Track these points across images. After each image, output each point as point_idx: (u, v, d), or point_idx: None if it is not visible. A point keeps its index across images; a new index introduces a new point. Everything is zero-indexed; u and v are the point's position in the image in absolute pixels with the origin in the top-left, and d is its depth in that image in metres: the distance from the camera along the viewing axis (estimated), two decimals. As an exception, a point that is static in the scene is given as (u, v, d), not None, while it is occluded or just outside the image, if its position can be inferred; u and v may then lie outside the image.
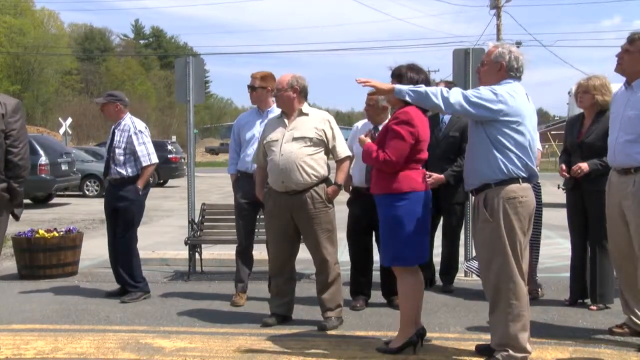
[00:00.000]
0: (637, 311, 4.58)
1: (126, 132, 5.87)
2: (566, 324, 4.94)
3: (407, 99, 3.97)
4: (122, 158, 5.84)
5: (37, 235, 7.03)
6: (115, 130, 5.95)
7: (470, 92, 3.91)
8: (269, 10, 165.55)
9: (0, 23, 46.44)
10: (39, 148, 14.97)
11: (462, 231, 6.33)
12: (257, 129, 5.58)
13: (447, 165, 5.76)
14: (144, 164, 5.86)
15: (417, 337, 4.21)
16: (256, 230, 5.93)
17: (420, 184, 4.17)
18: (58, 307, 5.65)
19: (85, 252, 7.68)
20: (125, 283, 5.95)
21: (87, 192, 19.02)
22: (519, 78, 4.04)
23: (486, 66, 4.07)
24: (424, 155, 4.24)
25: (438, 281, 6.18)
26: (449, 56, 7.37)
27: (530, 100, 4.02)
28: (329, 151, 4.97)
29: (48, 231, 7.16)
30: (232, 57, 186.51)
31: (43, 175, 15.02)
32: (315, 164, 4.83)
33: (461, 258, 6.32)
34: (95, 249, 8.60)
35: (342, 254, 5.94)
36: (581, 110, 5.45)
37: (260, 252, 6.28)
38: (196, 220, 7.24)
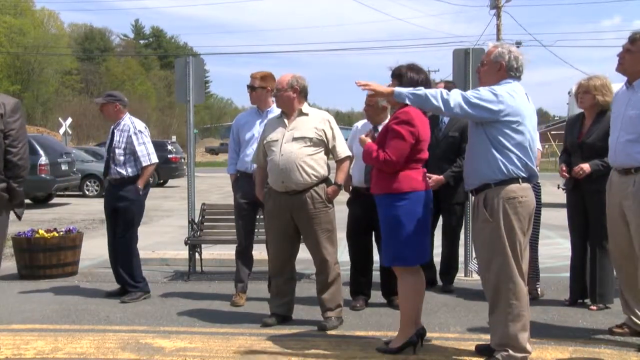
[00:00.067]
0: (637, 311, 4.58)
1: (126, 132, 5.88)
2: (566, 324, 4.94)
3: (407, 102, 3.96)
4: (122, 158, 5.84)
5: (37, 235, 7.03)
6: (115, 131, 5.95)
7: (470, 94, 3.89)
8: (269, 10, 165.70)
9: (0, 23, 46.43)
10: (38, 148, 14.97)
11: (462, 231, 6.33)
12: (257, 129, 5.58)
13: (447, 165, 5.76)
14: (143, 164, 5.86)
15: (417, 337, 4.21)
16: (256, 230, 5.93)
17: (421, 184, 4.16)
18: (58, 307, 5.65)
19: (85, 252, 7.68)
20: (125, 283, 5.95)
21: (87, 192, 19.03)
22: (518, 78, 4.03)
23: (486, 66, 4.06)
24: (425, 155, 4.24)
25: (438, 281, 6.18)
26: (449, 56, 7.38)
27: (530, 100, 4.02)
28: (329, 151, 4.97)
29: (48, 231, 7.15)
30: (232, 57, 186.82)
31: (43, 175, 15.02)
32: (315, 164, 4.83)
33: (461, 258, 6.32)
34: (95, 249, 8.60)
35: (342, 254, 5.93)
36: (581, 110, 5.44)
37: (260, 252, 6.27)
38: (196, 220, 7.24)
